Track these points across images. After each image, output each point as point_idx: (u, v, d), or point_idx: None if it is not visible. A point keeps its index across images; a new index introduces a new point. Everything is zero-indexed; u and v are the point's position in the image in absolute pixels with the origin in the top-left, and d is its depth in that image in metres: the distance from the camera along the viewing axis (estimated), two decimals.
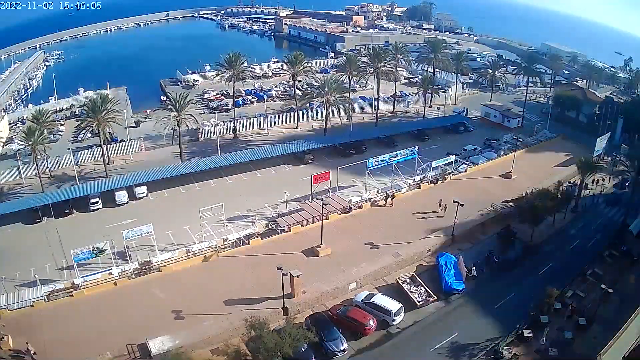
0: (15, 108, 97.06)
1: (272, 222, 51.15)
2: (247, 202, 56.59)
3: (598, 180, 62.84)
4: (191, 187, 62.06)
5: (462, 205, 46.09)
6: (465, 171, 64.34)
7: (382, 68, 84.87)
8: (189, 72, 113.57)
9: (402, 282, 41.95)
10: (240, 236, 48.36)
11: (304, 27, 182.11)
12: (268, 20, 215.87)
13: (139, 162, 69.71)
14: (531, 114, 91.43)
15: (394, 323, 37.95)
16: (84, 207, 56.39)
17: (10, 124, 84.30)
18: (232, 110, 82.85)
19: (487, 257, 46.22)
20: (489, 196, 56.66)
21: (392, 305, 38.53)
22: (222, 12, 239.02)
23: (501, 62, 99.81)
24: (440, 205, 52.56)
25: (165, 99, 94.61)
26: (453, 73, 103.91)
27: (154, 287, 41.53)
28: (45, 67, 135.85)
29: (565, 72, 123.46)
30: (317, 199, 47.77)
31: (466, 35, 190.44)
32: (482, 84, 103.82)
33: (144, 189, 59.38)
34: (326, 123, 77.23)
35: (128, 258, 45.29)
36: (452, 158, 66.26)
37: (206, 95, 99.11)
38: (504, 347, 34.89)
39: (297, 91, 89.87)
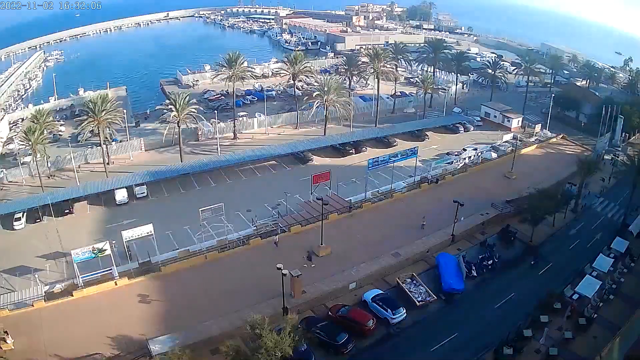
0: (15, 108, 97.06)
1: (272, 221, 51.13)
2: (247, 202, 56.59)
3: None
4: (191, 187, 62.07)
5: (462, 205, 46.09)
6: (466, 171, 64.41)
7: (382, 68, 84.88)
8: (189, 72, 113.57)
9: (402, 282, 41.94)
10: (240, 236, 48.36)
11: (304, 27, 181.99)
12: (268, 20, 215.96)
13: (139, 162, 69.78)
14: (531, 114, 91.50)
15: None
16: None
17: (10, 124, 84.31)
18: (232, 110, 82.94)
19: (481, 259, 45.99)
20: (489, 196, 56.68)
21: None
22: (223, 12, 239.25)
23: (500, 63, 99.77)
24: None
25: (167, 101, 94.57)
26: (453, 73, 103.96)
27: (154, 287, 41.56)
28: (45, 67, 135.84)
29: (565, 72, 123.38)
30: (317, 199, 47.74)
31: (466, 35, 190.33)
32: (482, 84, 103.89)
33: (144, 188, 59.41)
34: (326, 123, 77.25)
35: (128, 258, 45.29)
36: (453, 158, 66.43)
37: (206, 95, 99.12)
38: (504, 347, 34.87)
39: (297, 91, 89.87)
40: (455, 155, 68.89)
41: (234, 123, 79.30)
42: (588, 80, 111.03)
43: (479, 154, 69.77)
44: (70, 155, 65.77)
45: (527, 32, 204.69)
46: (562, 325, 37.21)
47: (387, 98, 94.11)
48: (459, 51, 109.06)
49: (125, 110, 78.96)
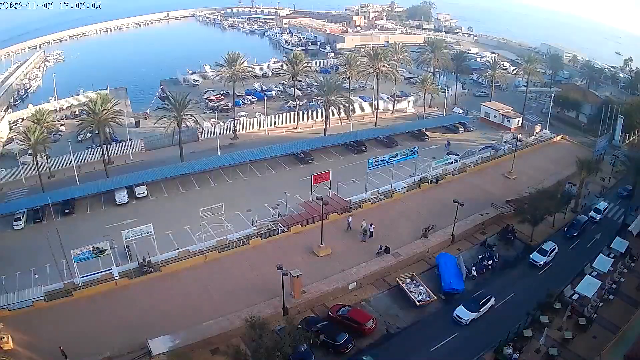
0: (15, 107, 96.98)
1: (272, 221, 51.12)
2: (247, 202, 56.56)
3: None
4: (191, 187, 62.06)
5: (462, 205, 46.07)
6: (466, 171, 64.38)
7: (382, 68, 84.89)
8: (189, 72, 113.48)
9: (402, 282, 41.95)
10: (240, 236, 48.34)
11: (304, 27, 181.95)
12: (268, 20, 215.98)
13: (139, 162, 69.76)
14: (531, 114, 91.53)
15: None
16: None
17: (10, 124, 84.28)
18: (232, 110, 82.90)
19: (481, 258, 46.06)
20: (489, 196, 56.65)
21: None
22: (222, 12, 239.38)
23: (500, 63, 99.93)
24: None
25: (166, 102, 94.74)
26: (453, 73, 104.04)
27: (154, 287, 41.55)
28: (45, 67, 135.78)
29: (565, 72, 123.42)
30: (317, 199, 47.70)
31: (466, 35, 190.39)
32: (482, 84, 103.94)
33: (144, 188, 59.39)
34: (326, 123, 77.23)
35: (128, 258, 45.26)
36: (453, 158, 66.37)
37: (206, 96, 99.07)
38: (504, 347, 34.87)
39: (297, 91, 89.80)
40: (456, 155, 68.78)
41: (234, 123, 79.27)
42: (588, 80, 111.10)
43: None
44: (71, 155, 65.73)
45: (527, 32, 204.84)
46: (562, 325, 37.22)
47: (387, 98, 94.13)
48: (459, 51, 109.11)
49: (125, 111, 79.04)
